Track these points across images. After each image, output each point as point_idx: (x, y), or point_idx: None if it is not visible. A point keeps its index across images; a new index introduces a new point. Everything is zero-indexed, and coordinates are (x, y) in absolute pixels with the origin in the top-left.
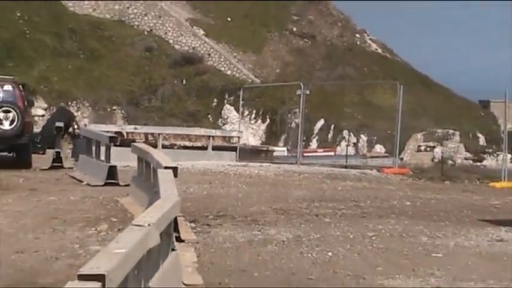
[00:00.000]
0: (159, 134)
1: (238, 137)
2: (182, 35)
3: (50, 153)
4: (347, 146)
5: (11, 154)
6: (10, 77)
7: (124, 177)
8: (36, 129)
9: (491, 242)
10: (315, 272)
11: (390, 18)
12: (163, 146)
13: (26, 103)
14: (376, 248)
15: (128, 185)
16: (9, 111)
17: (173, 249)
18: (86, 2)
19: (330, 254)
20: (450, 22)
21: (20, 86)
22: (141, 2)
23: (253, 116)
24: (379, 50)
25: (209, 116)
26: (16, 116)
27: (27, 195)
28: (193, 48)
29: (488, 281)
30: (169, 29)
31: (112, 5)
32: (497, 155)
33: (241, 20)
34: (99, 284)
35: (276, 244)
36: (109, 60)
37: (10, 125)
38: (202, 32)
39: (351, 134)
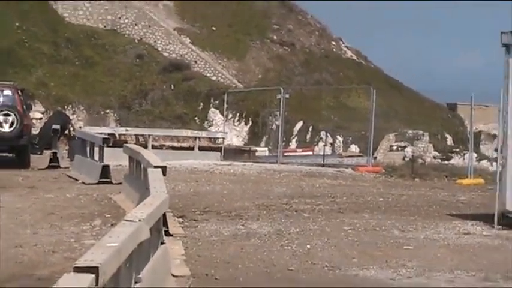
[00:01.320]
0: (149, 136)
1: (223, 138)
2: (170, 43)
3: (47, 153)
4: (324, 146)
5: (11, 154)
6: (10, 83)
7: (116, 176)
8: (35, 131)
9: (459, 235)
10: (295, 264)
11: (365, 26)
12: (153, 147)
13: (24, 107)
14: (351, 240)
15: (120, 183)
16: (9, 115)
17: (162, 243)
18: (80, 13)
19: (308, 246)
20: (421, 31)
21: (19, 91)
22: (132, 12)
23: (236, 118)
24: (354, 57)
25: (196, 118)
26: (15, 119)
27: (26, 193)
28: (181, 55)
29: (456, 271)
30: (158, 37)
31: (105, 15)
32: (464, 154)
33: (225, 29)
34: (92, 276)
35: (259, 238)
36: (102, 67)
37: (10, 127)
38: (189, 41)
39: (328, 134)
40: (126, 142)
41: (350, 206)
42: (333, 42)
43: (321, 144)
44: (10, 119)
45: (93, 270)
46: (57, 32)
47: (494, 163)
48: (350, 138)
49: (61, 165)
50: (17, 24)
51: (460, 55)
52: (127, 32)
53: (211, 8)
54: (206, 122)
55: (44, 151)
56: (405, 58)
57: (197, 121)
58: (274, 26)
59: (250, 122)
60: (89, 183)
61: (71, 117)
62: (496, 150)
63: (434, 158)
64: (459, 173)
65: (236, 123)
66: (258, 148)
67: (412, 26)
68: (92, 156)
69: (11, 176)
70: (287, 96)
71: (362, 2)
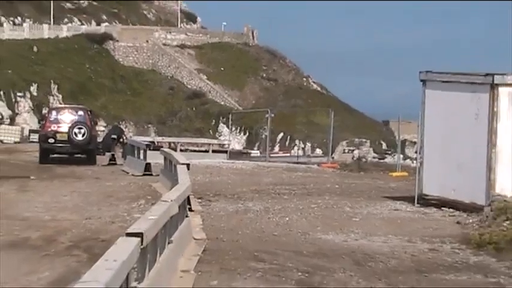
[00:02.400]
0: (177, 142)
1: (228, 144)
2: (192, 79)
3: (108, 155)
4: (298, 149)
5: (83, 155)
6: (82, 106)
7: (155, 170)
8: (99, 139)
9: (390, 210)
10: (277, 230)
11: (326, 67)
12: (180, 150)
13: (92, 123)
14: (316, 215)
15: (157, 175)
16: (81, 128)
17: (187, 216)
18: (130, 58)
19: (287, 219)
20: (363, 69)
21: (89, 112)
22: (166, 58)
23: (238, 130)
24: (318, 88)
25: (210, 130)
26: (86, 131)
27: (93, 182)
28: (200, 87)
29: (388, 235)
30: (184, 75)
31: (147, 59)
32: (394, 155)
33: (230, 70)
34: (138, 239)
35: (253, 213)
36: (145, 95)
37: (82, 136)
38: (205, 77)
39: (300, 142)
40: (162, 147)
41: (316, 191)
42: (304, 78)
43: (295, 148)
44: (82, 131)
45: (139, 235)
46: (114, 71)
47: (414, 161)
48: (316, 144)
49: (117, 163)
50: (87, 65)
51: (393, 86)
52: (162, 71)
53: (220, 55)
54: (217, 133)
55: (106, 153)
56: (352, 90)
57: (211, 132)
58: (263, 67)
59: (247, 133)
60: (136, 175)
61: (124, 129)
62: (416, 152)
63: (374, 158)
64: (391, 168)
65: (237, 134)
66: (252, 151)
67: (355, 67)
68: (138, 156)
69: (83, 170)
70: (272, 115)
71: (326, 49)
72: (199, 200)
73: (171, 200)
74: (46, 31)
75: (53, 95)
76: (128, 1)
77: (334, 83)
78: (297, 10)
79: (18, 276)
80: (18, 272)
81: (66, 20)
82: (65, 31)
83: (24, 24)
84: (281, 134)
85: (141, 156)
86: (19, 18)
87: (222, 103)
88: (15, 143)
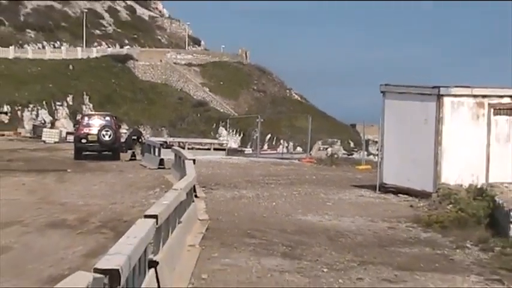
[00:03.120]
0: (185, 142)
1: (226, 143)
2: (197, 91)
3: (129, 152)
4: (282, 148)
5: (110, 153)
6: (108, 113)
7: (168, 164)
8: (122, 139)
9: (357, 196)
10: (266, 213)
11: (306, 81)
12: (188, 148)
13: (116, 126)
14: (297, 200)
15: (169, 169)
16: (108, 131)
17: (193, 201)
18: (147, 74)
19: (274, 203)
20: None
21: (114, 118)
22: (177, 74)
23: (234, 132)
24: (299, 98)
25: (211, 132)
26: (111, 133)
27: (118, 174)
28: (203, 98)
29: (355, 216)
30: (190, 88)
31: (161, 75)
32: (360, 152)
33: (228, 83)
34: (154, 220)
35: (246, 199)
36: (160, 104)
37: (108, 138)
38: (208, 89)
39: (285, 141)
40: (173, 146)
41: (297, 181)
42: (287, 90)
43: (281, 147)
44: (109, 133)
45: (154, 216)
46: (134, 85)
47: (376, 157)
48: (297, 143)
49: (137, 159)
50: (112, 80)
51: (360, 96)
52: (173, 84)
53: (219, 71)
54: (217, 134)
55: (127, 151)
56: (327, 100)
57: (212, 134)
58: (254, 81)
59: (242, 134)
60: (152, 169)
61: (142, 131)
62: (377, 149)
63: (343, 154)
64: (357, 162)
65: (234, 135)
66: (246, 149)
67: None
68: (154, 153)
69: (110, 165)
70: (262, 120)
71: (307, 67)
72: (203, 188)
73: (180, 189)
74: (79, 53)
75: (85, 104)
76: (145, 28)
77: (313, 94)
78: (283, 34)
79: (58, 250)
80: (58, 246)
81: (95, 43)
82: (94, 52)
83: (62, 47)
84: (269, 135)
85: (156, 153)
86: (58, 42)
87: (221, 110)
88: (55, 142)
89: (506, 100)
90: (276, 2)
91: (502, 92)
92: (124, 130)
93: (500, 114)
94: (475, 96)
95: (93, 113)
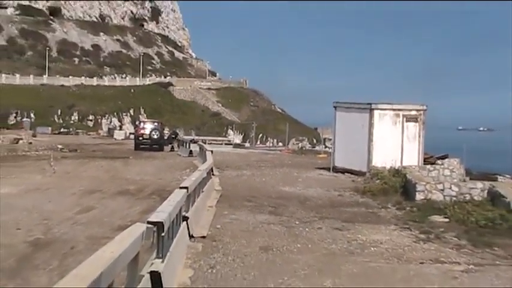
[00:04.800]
0: (206, 139)
1: (233, 140)
2: (214, 106)
3: (169, 146)
4: (270, 143)
5: (157, 146)
6: (157, 120)
7: (195, 154)
8: (165, 137)
9: (318, 175)
10: (259, 185)
11: (286, 99)
12: (208, 143)
13: (161, 129)
14: (279, 177)
15: (196, 156)
16: (156, 131)
17: (211, 178)
18: (181, 94)
19: (263, 179)
20: (308, 100)
21: (160, 123)
22: (201, 94)
23: (238, 133)
24: (280, 111)
25: (223, 133)
26: (158, 133)
27: (162, 160)
28: (217, 110)
29: (316, 188)
30: (209, 104)
31: (189, 95)
32: (320, 145)
33: (234, 101)
34: (186, 190)
35: (245, 176)
36: (189, 114)
37: (156, 136)
38: (221, 105)
39: (271, 139)
40: (198, 141)
41: (278, 164)
42: (272, 105)
43: (268, 143)
44: (157, 133)
45: (186, 188)
46: (173, 102)
47: (330, 149)
48: (279, 140)
49: (175, 150)
50: (159, 99)
51: (321, 110)
52: (198, 102)
53: (228, 93)
54: (227, 134)
55: (169, 145)
56: (300, 112)
57: (223, 134)
58: (251, 99)
59: (243, 134)
60: (184, 157)
61: (178, 132)
62: (331, 144)
63: (309, 147)
64: (318, 152)
65: (238, 135)
66: (246, 144)
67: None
68: (185, 146)
69: (157, 154)
70: (256, 125)
71: (286, 89)
72: (218, 169)
73: (203, 170)
74: (138, 81)
75: (141, 114)
76: (180, 65)
77: (289, 108)
78: (271, 68)
79: (124, 209)
80: (124, 207)
81: (148, 74)
82: (147, 81)
83: (127, 78)
84: (260, 135)
85: (187, 146)
86: (124, 74)
87: (229, 118)
88: (122, 139)
89: (413, 112)
90: (268, 42)
91: (411, 107)
92: (166, 131)
93: (410, 121)
94: (394, 109)
95: (146, 120)
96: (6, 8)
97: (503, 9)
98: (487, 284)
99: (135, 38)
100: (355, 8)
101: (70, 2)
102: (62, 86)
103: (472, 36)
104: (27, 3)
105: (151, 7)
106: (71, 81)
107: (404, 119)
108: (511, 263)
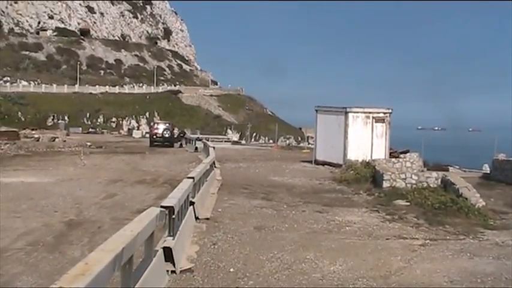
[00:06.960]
0: (209, 137)
1: (231, 138)
2: (215, 110)
3: (179, 143)
4: (262, 141)
5: (168, 143)
6: (168, 121)
7: (200, 149)
8: (175, 136)
9: (303, 167)
10: (253, 175)
11: (277, 104)
12: (211, 141)
13: (172, 128)
14: (270, 168)
15: (200, 152)
16: (168, 131)
17: (213, 169)
18: (188, 100)
19: (257, 170)
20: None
21: (172, 124)
22: (205, 100)
23: (236, 132)
24: (271, 114)
25: (224, 133)
26: (170, 132)
27: (172, 155)
28: (218, 113)
29: (301, 177)
30: (211, 108)
31: (195, 101)
32: (304, 142)
33: (234, 106)
34: (192, 179)
35: (242, 168)
36: (195, 117)
37: (168, 135)
38: (221, 109)
39: (263, 137)
40: (202, 139)
41: (269, 158)
42: (264, 109)
43: (261, 140)
44: (168, 132)
45: (192, 178)
46: (182, 106)
47: (312, 145)
48: (270, 138)
49: (183, 147)
50: (170, 104)
51: (304, 113)
52: (202, 105)
53: (227, 99)
54: (226, 133)
55: (178, 142)
56: (287, 115)
57: (223, 133)
58: (246, 104)
59: (240, 133)
60: (191, 152)
61: (186, 131)
62: (314, 141)
63: (295, 143)
64: (302, 148)
65: (235, 133)
66: (242, 141)
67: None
68: (191, 143)
69: (168, 150)
70: (250, 125)
71: (277, 96)
72: (219, 162)
73: (207, 163)
74: (152, 89)
75: (155, 117)
76: (187, 76)
77: (278, 111)
78: (261, 78)
79: (142, 195)
80: (141, 193)
81: (161, 83)
82: (160, 89)
83: (143, 86)
84: (254, 134)
85: (193, 143)
86: (141, 83)
87: (229, 120)
88: (139, 138)
89: (381, 114)
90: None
91: (379, 110)
92: (176, 131)
93: (378, 122)
94: (365, 112)
95: (159, 121)
96: (46, 30)
97: (444, 28)
98: (439, 255)
99: (150, 54)
100: (336, 32)
101: (97, 24)
102: (90, 93)
103: (424, 54)
104: (62, 26)
105: (163, 28)
106: (97, 89)
107: (374, 120)
108: (459, 238)
